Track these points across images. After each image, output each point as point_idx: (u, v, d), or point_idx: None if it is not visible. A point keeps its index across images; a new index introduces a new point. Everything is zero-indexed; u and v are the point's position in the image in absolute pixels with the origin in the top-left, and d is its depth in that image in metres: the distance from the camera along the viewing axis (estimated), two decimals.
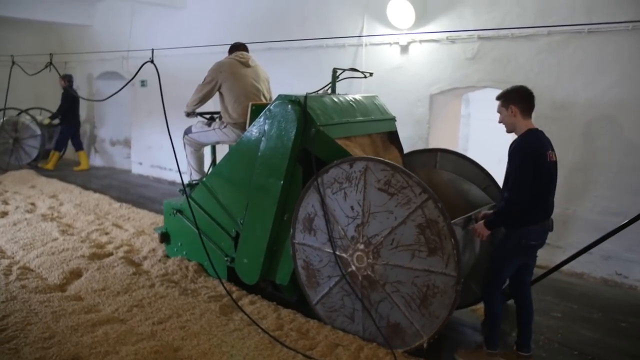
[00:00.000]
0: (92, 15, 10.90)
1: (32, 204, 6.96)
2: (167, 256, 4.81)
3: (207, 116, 4.88)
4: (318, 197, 3.45)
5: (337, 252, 3.42)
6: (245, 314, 3.62)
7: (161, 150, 9.65)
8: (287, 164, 3.59)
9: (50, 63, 5.24)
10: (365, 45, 6.28)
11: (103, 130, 11.58)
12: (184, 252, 4.66)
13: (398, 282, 3.20)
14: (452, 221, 3.03)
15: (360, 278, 3.36)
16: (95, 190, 7.86)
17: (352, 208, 3.32)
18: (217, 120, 4.75)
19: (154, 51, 4.14)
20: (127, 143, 11.87)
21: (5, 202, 6.94)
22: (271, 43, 7.26)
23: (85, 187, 8.22)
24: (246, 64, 4.67)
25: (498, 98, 3.30)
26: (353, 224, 3.33)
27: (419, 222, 3.06)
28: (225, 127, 4.58)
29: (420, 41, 5.83)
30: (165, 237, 4.79)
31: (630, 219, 3.76)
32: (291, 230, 3.66)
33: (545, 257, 5.13)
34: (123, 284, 4.14)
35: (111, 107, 11.53)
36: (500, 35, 5.22)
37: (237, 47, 4.86)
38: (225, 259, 4.18)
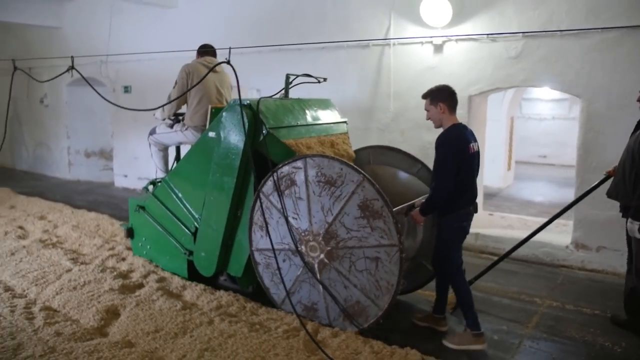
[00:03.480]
0: (60, 16, 9.97)
1: (21, 227, 6.14)
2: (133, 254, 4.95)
3: (173, 118, 4.99)
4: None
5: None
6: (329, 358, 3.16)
7: (150, 161, 8.88)
8: (240, 163, 3.83)
9: (72, 67, 4.55)
10: (393, 44, 5.93)
11: (76, 141, 10.63)
12: (148, 247, 4.82)
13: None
14: (395, 209, 3.32)
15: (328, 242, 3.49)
16: (88, 209, 7.07)
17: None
18: (180, 122, 4.88)
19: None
20: (103, 154, 11.00)
21: None
22: (279, 43, 6.79)
23: (73, 205, 7.42)
24: (216, 70, 4.74)
25: (425, 96, 3.56)
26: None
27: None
28: (186, 129, 4.76)
29: (457, 40, 5.54)
30: (130, 233, 4.95)
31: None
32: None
33: (604, 260, 4.98)
34: (176, 322, 3.57)
35: (84, 116, 10.64)
36: (548, 33, 5.00)
37: (207, 52, 4.96)
38: (184, 252, 4.38)
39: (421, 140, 5.88)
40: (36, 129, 11.14)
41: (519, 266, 5.27)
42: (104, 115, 10.70)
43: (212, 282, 4.36)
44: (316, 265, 3.55)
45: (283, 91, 4.39)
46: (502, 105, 9.91)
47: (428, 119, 3.55)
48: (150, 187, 4.94)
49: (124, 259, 4.98)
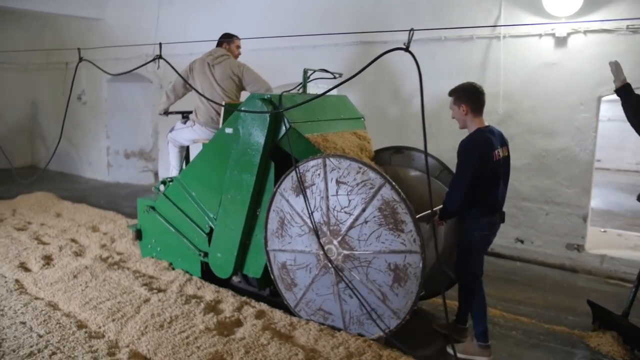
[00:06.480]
0: (103, 7, 9.30)
1: (74, 240, 5.47)
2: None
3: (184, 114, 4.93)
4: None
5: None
6: None
7: None
8: (260, 160, 3.70)
9: (160, 56, 3.98)
10: (504, 36, 5.15)
11: (115, 140, 9.97)
12: (158, 249, 4.67)
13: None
14: (417, 216, 3.09)
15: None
16: None
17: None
18: (189, 118, 4.86)
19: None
20: (142, 155, 10.35)
21: (40, 240, 5.42)
22: (361, 35, 6.06)
23: (121, 212, 6.77)
24: (212, 64, 4.69)
25: (450, 94, 3.35)
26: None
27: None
28: (194, 125, 4.75)
29: (585, 31, 4.76)
30: (139, 235, 4.79)
31: None
32: None
33: None
34: None
35: (123, 114, 9.98)
36: None
37: (219, 42, 4.91)
38: (198, 254, 4.26)
39: (534, 147, 5.12)
40: (73, 127, 10.50)
41: None
42: (144, 114, 10.05)
43: (226, 283, 4.27)
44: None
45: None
46: None
47: (453, 118, 3.38)
48: (162, 187, 4.69)
49: (203, 285, 4.28)
